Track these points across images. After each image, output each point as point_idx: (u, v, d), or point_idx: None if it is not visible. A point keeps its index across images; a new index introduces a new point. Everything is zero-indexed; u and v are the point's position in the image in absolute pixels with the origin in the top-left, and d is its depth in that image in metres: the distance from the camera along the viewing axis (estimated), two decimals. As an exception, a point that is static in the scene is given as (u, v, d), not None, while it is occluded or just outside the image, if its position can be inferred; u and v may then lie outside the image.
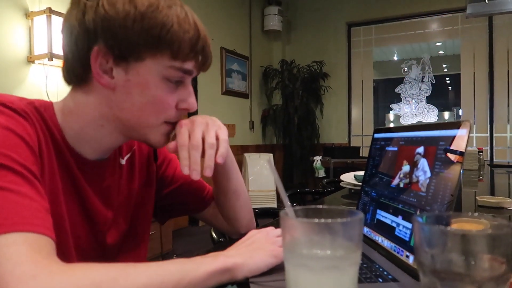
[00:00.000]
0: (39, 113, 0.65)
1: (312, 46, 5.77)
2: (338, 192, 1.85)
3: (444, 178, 0.61)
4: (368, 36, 5.68)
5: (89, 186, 0.71)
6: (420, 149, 0.70)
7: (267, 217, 1.46)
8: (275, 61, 5.83)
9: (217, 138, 0.71)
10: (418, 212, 0.66)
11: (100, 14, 0.61)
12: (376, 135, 0.92)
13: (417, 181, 0.68)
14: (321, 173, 5.09)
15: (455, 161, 0.60)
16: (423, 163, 0.68)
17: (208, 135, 0.70)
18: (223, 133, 0.73)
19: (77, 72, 0.66)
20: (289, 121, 5.54)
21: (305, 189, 4.54)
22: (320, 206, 0.48)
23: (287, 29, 5.91)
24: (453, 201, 0.58)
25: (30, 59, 2.69)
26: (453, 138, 0.62)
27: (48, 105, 0.68)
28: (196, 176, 0.67)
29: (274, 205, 4.56)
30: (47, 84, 2.77)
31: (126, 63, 0.63)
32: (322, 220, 0.42)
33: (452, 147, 0.61)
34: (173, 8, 0.63)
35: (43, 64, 2.75)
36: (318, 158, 5.11)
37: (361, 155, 5.21)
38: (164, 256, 3.11)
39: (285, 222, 0.44)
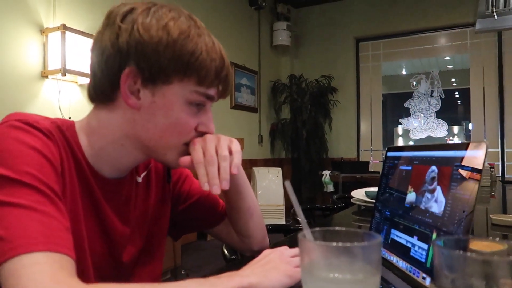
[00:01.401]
0: (61, 132, 0.66)
1: (321, 61, 5.80)
2: (349, 209, 1.84)
3: (461, 199, 0.61)
4: (376, 50, 5.70)
5: (108, 204, 0.72)
6: (435, 170, 0.70)
7: (278, 233, 1.46)
8: (283, 75, 5.87)
9: (230, 151, 0.72)
10: (434, 233, 0.65)
11: (134, 37, 0.63)
12: (390, 154, 0.92)
13: (433, 202, 0.68)
14: (330, 188, 5.06)
15: (471, 181, 0.60)
16: (438, 191, 0.68)
17: (220, 148, 0.71)
18: (236, 146, 0.74)
19: (105, 90, 0.67)
20: (298, 135, 5.54)
21: (313, 203, 4.52)
22: (338, 228, 0.48)
23: (295, 44, 5.96)
24: (470, 222, 0.58)
25: (44, 74, 2.74)
26: (469, 159, 0.62)
27: (70, 124, 0.70)
28: (216, 190, 0.68)
29: (283, 220, 4.54)
30: (60, 98, 2.81)
31: (153, 85, 0.65)
32: (341, 244, 0.42)
33: (468, 168, 0.61)
34: (202, 37, 0.66)
35: (57, 79, 2.80)
36: (327, 173, 5.09)
37: (370, 169, 5.18)
38: (173, 270, 3.10)
39: (304, 245, 0.45)
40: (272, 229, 1.37)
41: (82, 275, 0.67)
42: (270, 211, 4.50)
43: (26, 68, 2.67)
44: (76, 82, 2.93)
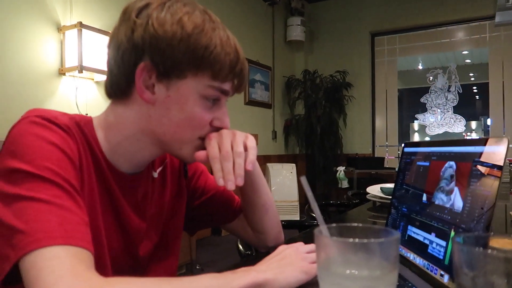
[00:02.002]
0: (79, 128, 0.67)
1: (335, 56, 5.75)
2: (364, 205, 1.82)
3: (480, 196, 0.60)
4: (392, 45, 5.62)
5: (125, 199, 0.73)
6: (453, 165, 0.69)
7: (292, 229, 1.45)
8: (297, 71, 5.84)
9: (245, 147, 0.72)
10: (452, 230, 0.64)
11: (149, 32, 0.63)
12: (406, 149, 0.90)
13: (452, 198, 0.67)
14: (345, 184, 5.03)
15: (491, 177, 0.59)
16: (458, 181, 0.66)
17: (236, 144, 0.71)
18: (251, 142, 0.74)
19: (121, 86, 0.68)
20: (312, 131, 5.51)
21: (328, 200, 4.50)
22: (355, 224, 0.47)
23: (309, 39, 5.91)
24: (490, 219, 0.57)
25: (61, 71, 2.79)
26: (488, 154, 0.61)
27: (88, 120, 0.71)
28: (231, 186, 0.68)
29: (297, 216, 4.53)
30: (77, 95, 2.85)
31: (168, 80, 0.65)
32: (358, 240, 0.42)
33: (488, 164, 0.60)
34: (216, 31, 0.66)
35: (74, 76, 2.84)
36: (341, 169, 5.06)
37: (385, 165, 5.13)
38: (188, 265, 3.13)
39: (320, 241, 0.44)
40: (287, 225, 1.36)
41: (100, 269, 0.68)
42: (284, 207, 4.50)
43: (44, 66, 2.72)
44: (93, 79, 2.97)
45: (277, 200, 4.53)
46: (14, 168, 0.55)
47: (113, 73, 0.68)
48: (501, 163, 0.57)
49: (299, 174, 5.10)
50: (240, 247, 1.07)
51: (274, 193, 4.57)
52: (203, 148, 0.70)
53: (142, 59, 0.65)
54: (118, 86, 0.69)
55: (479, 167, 0.62)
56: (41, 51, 2.71)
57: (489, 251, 0.39)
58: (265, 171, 4.76)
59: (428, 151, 0.80)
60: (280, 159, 5.46)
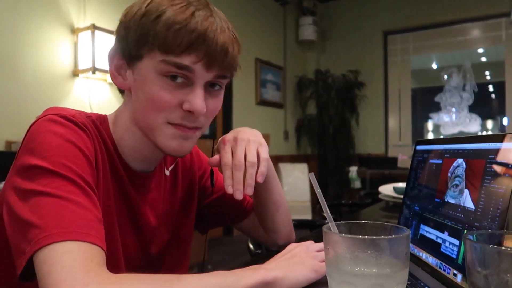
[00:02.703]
0: (95, 126, 0.68)
1: (347, 56, 5.71)
2: (376, 204, 1.80)
3: (495, 193, 0.58)
4: (405, 44, 5.56)
5: (138, 196, 0.74)
6: (467, 163, 0.67)
7: (304, 228, 1.45)
8: (309, 71, 5.81)
9: (258, 156, 0.72)
10: (466, 228, 0.63)
11: (119, 21, 0.67)
12: (419, 147, 0.89)
13: (465, 196, 0.66)
14: (357, 184, 4.99)
15: (506, 176, 0.57)
16: (471, 178, 0.65)
17: (249, 153, 0.71)
18: (264, 151, 0.74)
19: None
20: (324, 131, 5.48)
21: (340, 200, 4.47)
22: (364, 222, 0.47)
23: (321, 38, 5.88)
24: (505, 217, 0.55)
25: (75, 73, 2.83)
26: (503, 151, 0.59)
27: (104, 119, 0.72)
28: (239, 195, 0.69)
29: (309, 216, 4.51)
30: (90, 96, 2.89)
31: (133, 64, 0.66)
32: (368, 237, 0.41)
33: (502, 160, 0.59)
34: (174, 5, 0.62)
35: (87, 77, 2.88)
36: (354, 169, 5.02)
37: (399, 165, 5.07)
38: (199, 265, 3.13)
39: (329, 238, 0.44)
40: (298, 225, 1.36)
41: (114, 266, 0.68)
42: (296, 207, 4.49)
43: (58, 67, 2.76)
44: (106, 80, 3.00)
45: (289, 200, 4.50)
46: (32, 165, 0.56)
47: None
48: (516, 160, 0.56)
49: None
50: (251, 246, 1.07)
51: (286, 193, 4.56)
52: (179, 136, 0.67)
53: (114, 47, 0.68)
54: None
55: (494, 166, 0.60)
56: (55, 53, 2.75)
57: (503, 248, 0.38)
58: (277, 171, 4.74)
59: (441, 148, 0.79)
60: (292, 159, 5.44)
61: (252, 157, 0.71)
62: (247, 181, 0.70)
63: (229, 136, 0.74)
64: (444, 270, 0.66)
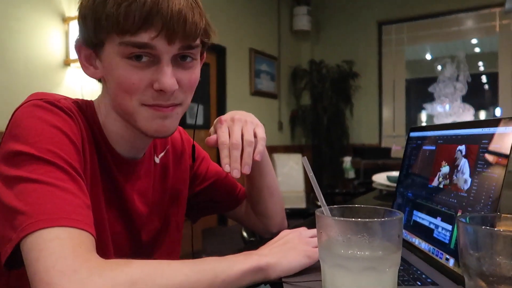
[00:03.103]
0: (82, 111, 0.67)
1: (342, 46, 5.69)
2: (370, 193, 1.81)
3: (488, 178, 0.58)
4: (400, 34, 5.54)
5: (126, 183, 0.73)
6: (461, 148, 0.67)
7: (297, 217, 1.45)
8: (303, 61, 5.79)
9: (255, 136, 0.72)
10: (459, 214, 0.63)
11: (78, 11, 0.65)
12: (412, 134, 0.89)
13: (458, 182, 0.66)
14: (351, 174, 5.01)
15: (499, 160, 0.57)
16: (464, 164, 0.65)
17: (246, 132, 0.71)
18: (261, 131, 0.74)
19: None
20: (318, 122, 5.48)
21: (334, 189, 4.48)
22: (357, 206, 0.46)
23: (316, 28, 5.85)
24: (498, 202, 0.55)
25: (67, 63, 2.79)
26: (497, 136, 0.59)
27: (90, 104, 0.71)
28: (236, 174, 0.68)
29: (303, 206, 4.53)
30: (82, 86, 2.86)
31: (99, 52, 0.65)
32: (360, 220, 0.41)
33: (496, 145, 0.58)
34: None
35: (79, 67, 2.83)
36: (348, 159, 5.03)
37: (392, 156, 5.09)
38: (194, 255, 3.14)
39: (321, 221, 0.43)
40: (292, 213, 1.36)
41: (102, 253, 0.68)
42: (290, 197, 4.49)
43: (49, 57, 2.72)
44: (98, 70, 2.97)
45: (284, 190, 4.50)
46: (17, 151, 0.55)
47: None
48: (508, 145, 0.56)
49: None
50: (244, 234, 1.07)
51: (280, 184, 4.54)
52: (157, 117, 0.65)
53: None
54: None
55: (487, 149, 0.60)
56: (46, 42, 2.71)
57: (495, 230, 0.38)
58: (271, 161, 4.74)
59: (434, 134, 0.79)
60: (286, 149, 5.44)
61: (249, 136, 0.70)
62: (245, 160, 0.70)
63: (225, 116, 0.73)
64: (436, 255, 0.66)
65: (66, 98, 0.66)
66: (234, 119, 0.72)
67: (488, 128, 0.61)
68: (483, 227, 0.38)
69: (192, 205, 0.91)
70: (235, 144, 0.69)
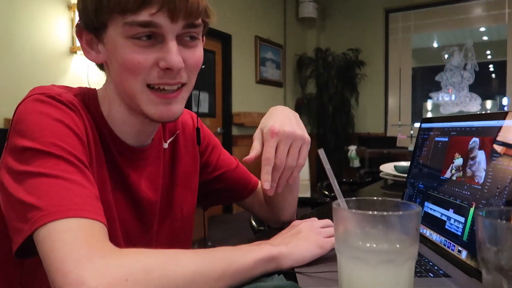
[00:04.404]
0: (84, 103, 0.67)
1: (348, 34, 5.64)
2: (376, 183, 1.81)
3: (502, 171, 0.58)
4: (407, 22, 5.48)
5: (134, 172, 0.73)
6: (476, 140, 0.67)
7: (305, 206, 1.45)
8: (309, 49, 5.75)
9: (299, 156, 0.73)
10: (472, 206, 0.63)
11: None
12: (424, 125, 0.88)
13: (472, 174, 0.65)
14: (356, 163, 5.01)
15: (515, 153, 0.57)
16: (480, 156, 0.64)
17: (291, 154, 0.72)
18: (304, 153, 0.74)
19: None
20: (324, 110, 5.46)
21: (339, 179, 4.48)
22: (373, 198, 0.46)
23: (322, 16, 5.79)
24: (512, 195, 0.55)
25: (73, 50, 2.78)
26: (507, 128, 0.59)
27: (93, 94, 0.71)
28: (271, 192, 0.73)
29: (308, 195, 4.55)
30: (88, 73, 2.85)
31: (101, 36, 0.65)
32: (378, 213, 0.41)
33: (511, 138, 0.58)
34: None
35: (85, 54, 2.84)
36: (353, 148, 5.03)
37: (398, 145, 5.08)
38: (200, 242, 3.17)
39: (339, 213, 0.43)
40: (299, 202, 1.36)
41: (112, 241, 0.68)
42: (295, 186, 4.51)
43: (55, 44, 2.72)
44: (104, 57, 2.96)
45: (288, 179, 4.54)
46: (23, 147, 0.55)
47: None
48: (525, 137, 0.55)
49: (310, 154, 5.09)
50: (253, 223, 1.07)
51: (285, 172, 4.58)
52: (160, 102, 0.65)
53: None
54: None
55: (502, 142, 0.60)
56: (52, 30, 2.70)
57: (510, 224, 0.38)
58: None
59: (447, 126, 0.78)
60: (291, 138, 5.43)
61: (292, 161, 0.72)
62: (281, 182, 0.73)
63: (277, 127, 0.71)
64: (448, 247, 0.66)
65: (68, 91, 0.66)
66: (285, 133, 0.71)
67: (503, 121, 0.61)
68: (500, 221, 0.38)
69: (204, 193, 0.91)
70: (278, 166, 0.71)
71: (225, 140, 4.46)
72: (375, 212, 0.41)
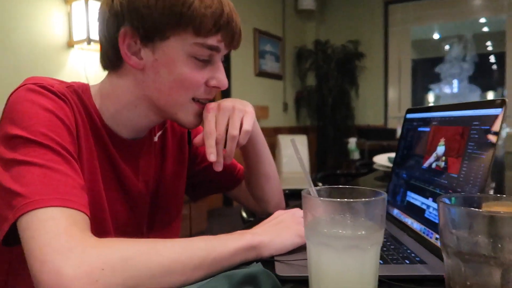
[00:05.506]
0: (77, 95, 0.68)
1: (347, 26, 5.61)
2: (372, 174, 1.82)
3: (478, 160, 0.59)
4: (406, 14, 5.45)
5: (126, 164, 0.74)
6: (454, 130, 0.68)
7: (297, 198, 1.47)
8: (309, 41, 5.72)
9: (241, 126, 0.72)
10: (449, 194, 0.64)
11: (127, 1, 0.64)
12: (409, 116, 0.89)
13: (449, 163, 0.66)
14: (356, 155, 5.02)
15: (489, 141, 0.58)
16: (455, 146, 0.66)
17: (232, 125, 0.71)
18: (248, 122, 0.73)
19: (110, 56, 0.69)
20: (323, 103, 5.46)
21: (338, 171, 4.50)
22: (344, 186, 0.48)
23: (321, 8, 5.77)
24: (485, 182, 0.56)
25: (70, 44, 2.79)
26: (487, 117, 0.59)
27: (86, 88, 0.72)
28: (219, 167, 0.72)
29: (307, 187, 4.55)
30: (86, 68, 2.86)
31: (152, 43, 0.65)
32: (344, 200, 0.42)
33: (486, 127, 0.59)
34: None
35: (82, 48, 2.84)
36: (353, 140, 5.03)
37: (397, 137, 5.07)
38: (199, 235, 3.19)
39: (307, 201, 0.45)
40: (291, 194, 1.38)
41: (103, 233, 0.70)
42: (295, 178, 4.52)
43: (52, 39, 2.72)
44: (101, 51, 2.96)
45: (288, 171, 4.55)
46: (12, 135, 0.57)
47: (103, 44, 0.70)
48: (497, 126, 0.56)
49: (310, 146, 5.10)
50: (244, 214, 1.09)
51: (285, 165, 4.59)
52: (199, 112, 0.72)
53: (123, 25, 0.65)
54: (108, 57, 0.70)
55: (477, 131, 0.61)
56: (49, 24, 2.70)
57: (474, 209, 0.39)
58: (275, 143, 4.76)
59: (429, 116, 0.79)
60: (291, 131, 5.45)
61: (234, 130, 0.71)
62: (227, 154, 0.72)
63: (213, 104, 0.74)
64: (427, 235, 0.67)
65: (61, 83, 0.67)
66: (220, 107, 0.72)
67: (479, 110, 0.62)
68: (460, 207, 0.40)
69: (192, 184, 0.93)
70: (218, 139, 0.70)
71: (225, 133, 4.47)
72: (340, 199, 0.42)
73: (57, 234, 0.48)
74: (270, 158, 0.90)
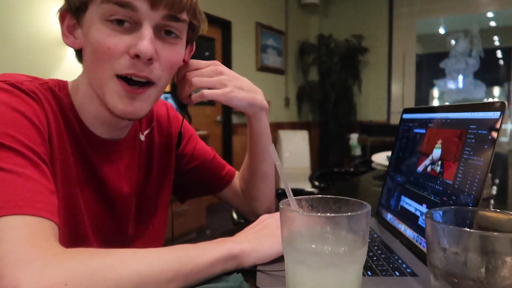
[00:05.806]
0: (52, 93, 0.64)
1: (351, 20, 5.53)
2: (371, 172, 1.78)
3: (474, 167, 0.55)
4: (411, 7, 5.35)
5: (107, 165, 0.70)
6: (450, 133, 0.64)
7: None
8: (312, 35, 5.66)
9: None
10: (444, 202, 0.60)
11: None
12: (405, 116, 0.85)
13: (444, 168, 0.62)
14: (358, 152, 4.97)
15: (485, 147, 0.54)
16: (451, 150, 0.62)
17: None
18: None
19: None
20: (326, 98, 5.40)
21: (340, 167, 4.46)
22: (327, 196, 0.44)
23: (324, 2, 5.69)
24: (481, 190, 0.52)
25: (67, 38, 2.75)
26: (485, 121, 0.55)
27: (63, 85, 0.68)
28: (192, 102, 0.75)
29: (307, 184, 4.52)
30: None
31: (81, 19, 0.63)
32: (324, 214, 0.39)
33: (483, 131, 0.55)
34: None
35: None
36: (355, 136, 4.98)
37: (400, 133, 5.01)
38: (199, 231, 3.18)
39: (283, 214, 0.41)
40: (284, 194, 1.34)
41: (81, 239, 0.66)
42: (296, 174, 4.49)
43: (51, 33, 2.68)
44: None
45: (289, 167, 4.52)
46: None
47: None
48: (495, 131, 0.52)
49: (312, 141, 5.06)
50: (234, 215, 1.06)
51: (286, 160, 4.56)
52: (125, 95, 0.62)
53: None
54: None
55: (474, 135, 0.57)
56: (47, 19, 2.67)
57: (463, 229, 0.35)
58: (277, 138, 4.73)
59: (425, 117, 0.75)
60: (293, 126, 5.40)
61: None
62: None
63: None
64: (419, 243, 0.64)
65: (33, 80, 0.63)
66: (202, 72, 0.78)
67: (477, 113, 0.58)
68: (447, 225, 0.36)
69: (179, 185, 0.89)
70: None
71: (225, 129, 4.44)
72: (318, 214, 0.39)
73: (17, 245, 0.44)
74: (271, 159, 0.87)
